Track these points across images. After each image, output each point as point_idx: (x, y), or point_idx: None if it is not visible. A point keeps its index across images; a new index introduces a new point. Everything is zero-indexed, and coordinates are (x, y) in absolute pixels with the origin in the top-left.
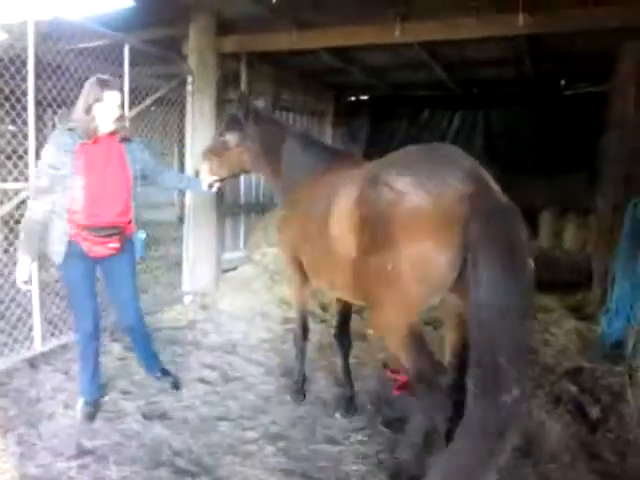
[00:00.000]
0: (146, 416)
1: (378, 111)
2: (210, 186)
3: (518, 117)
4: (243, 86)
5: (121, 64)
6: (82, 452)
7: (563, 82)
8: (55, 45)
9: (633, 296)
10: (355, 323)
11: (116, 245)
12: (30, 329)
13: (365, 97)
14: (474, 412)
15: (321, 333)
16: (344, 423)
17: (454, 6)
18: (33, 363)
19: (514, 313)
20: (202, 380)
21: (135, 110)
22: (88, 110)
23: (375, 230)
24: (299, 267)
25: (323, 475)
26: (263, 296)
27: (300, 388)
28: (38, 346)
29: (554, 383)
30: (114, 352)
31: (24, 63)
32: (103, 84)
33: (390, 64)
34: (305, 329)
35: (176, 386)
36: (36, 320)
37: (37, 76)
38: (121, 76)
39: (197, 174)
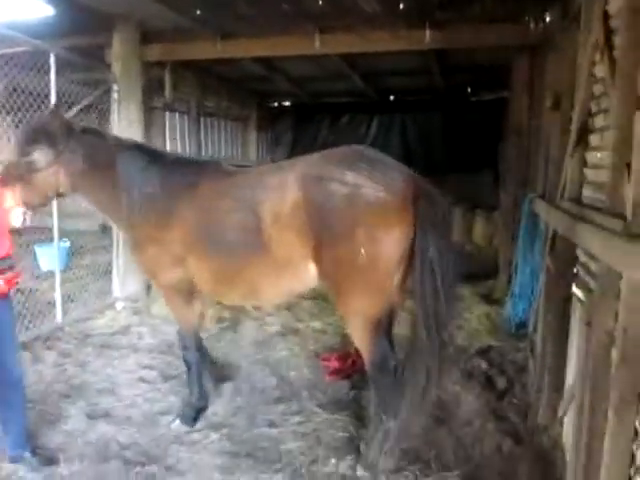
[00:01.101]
0: (89, 416)
1: (301, 116)
2: (22, 219)
3: (431, 121)
4: (167, 93)
5: (42, 71)
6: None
7: (469, 90)
8: None
9: (532, 280)
10: (286, 319)
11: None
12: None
13: (288, 103)
14: (425, 343)
15: (256, 329)
16: (282, 408)
17: (369, 21)
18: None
19: (451, 264)
20: (142, 379)
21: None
22: None
23: (334, 224)
24: (185, 286)
25: (266, 454)
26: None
27: (197, 410)
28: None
29: (467, 361)
30: (49, 360)
31: None
32: None
33: (312, 73)
34: (199, 349)
35: (50, 462)
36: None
37: None
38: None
39: None
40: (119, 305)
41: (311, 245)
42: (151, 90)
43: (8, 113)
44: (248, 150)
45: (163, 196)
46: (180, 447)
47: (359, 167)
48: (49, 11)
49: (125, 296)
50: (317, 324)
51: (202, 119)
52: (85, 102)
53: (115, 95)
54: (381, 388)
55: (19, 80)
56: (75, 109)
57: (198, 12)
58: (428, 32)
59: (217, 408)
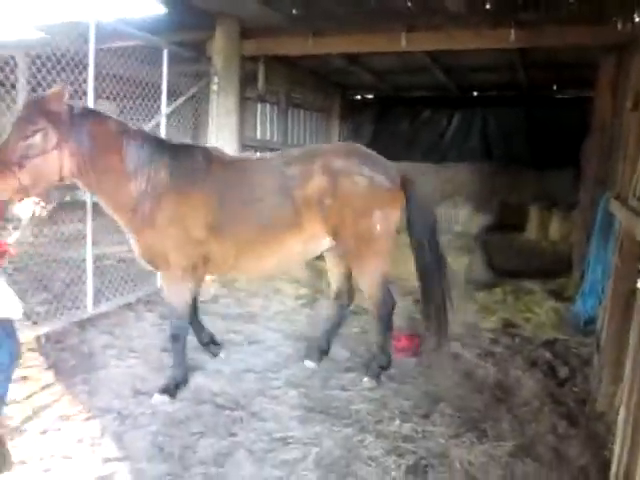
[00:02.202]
0: (185, 368)
1: (382, 109)
2: (32, 213)
3: (513, 117)
4: (260, 85)
5: (151, 63)
6: (137, 392)
7: (555, 87)
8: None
9: (603, 279)
10: (359, 300)
11: None
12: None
13: (370, 96)
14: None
15: (330, 307)
16: (352, 376)
17: (454, 20)
18: (82, 325)
19: (433, 244)
20: (229, 341)
21: (172, 107)
22: None
23: (357, 207)
24: (196, 264)
25: (337, 411)
26: (276, 275)
27: (177, 385)
28: (89, 310)
29: (531, 351)
30: (150, 319)
31: (58, 60)
32: None
33: (394, 67)
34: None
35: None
36: (89, 287)
37: (76, 72)
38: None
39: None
40: (208, 277)
41: (332, 223)
42: (246, 82)
43: (116, 99)
44: (330, 140)
45: (179, 181)
46: (263, 399)
47: (369, 162)
48: (161, 9)
49: None
50: None
51: (289, 110)
52: (191, 92)
53: (215, 87)
54: (385, 320)
55: (130, 71)
56: (182, 99)
57: (294, 11)
58: (513, 31)
59: (295, 371)
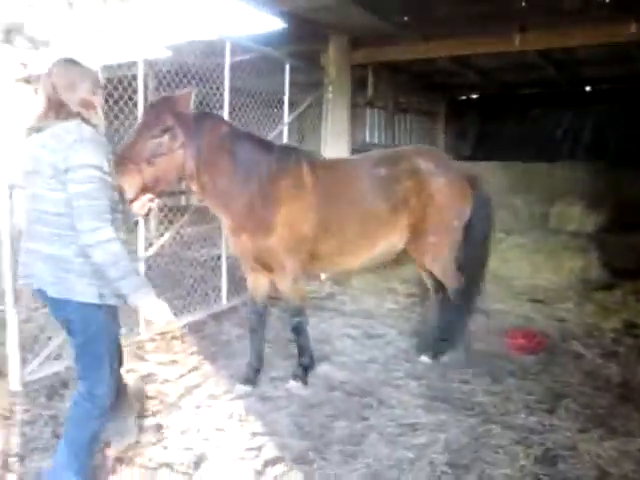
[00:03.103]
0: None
1: (488, 109)
2: (147, 210)
3: (628, 113)
4: (369, 91)
5: (267, 75)
6: (272, 378)
7: None
8: (215, 60)
9: None
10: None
11: None
12: (218, 289)
13: (475, 96)
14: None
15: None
16: (472, 371)
17: (569, 16)
18: (216, 317)
19: (487, 244)
20: (349, 336)
21: (292, 116)
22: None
23: (442, 205)
24: (306, 261)
25: (460, 402)
26: (388, 274)
27: (254, 372)
28: (224, 303)
29: None
30: (274, 313)
31: (185, 75)
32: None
33: (502, 65)
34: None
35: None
36: (223, 283)
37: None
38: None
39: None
40: (323, 276)
41: (414, 220)
42: (356, 89)
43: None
44: (436, 143)
45: (289, 182)
46: (388, 388)
47: (444, 163)
48: (280, 24)
49: None
50: (500, 306)
51: (396, 114)
52: (308, 101)
53: (329, 95)
54: (459, 302)
55: (250, 83)
56: (301, 108)
57: (404, 18)
58: (634, 25)
59: (416, 363)
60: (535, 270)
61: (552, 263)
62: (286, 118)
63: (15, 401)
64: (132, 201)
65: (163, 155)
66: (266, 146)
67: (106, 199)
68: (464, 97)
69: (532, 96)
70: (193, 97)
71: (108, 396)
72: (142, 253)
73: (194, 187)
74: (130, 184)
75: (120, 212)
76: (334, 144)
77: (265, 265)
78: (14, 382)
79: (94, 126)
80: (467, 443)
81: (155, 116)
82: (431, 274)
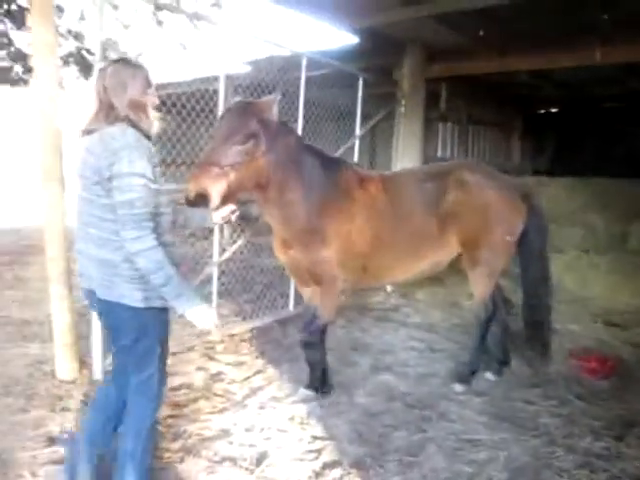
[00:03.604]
0: (374, 367)
1: (566, 124)
2: (227, 220)
3: None
4: (442, 105)
5: (340, 88)
6: (332, 385)
7: None
8: (291, 74)
9: None
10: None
11: None
12: (286, 296)
13: (553, 110)
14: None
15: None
16: (537, 391)
17: None
18: (282, 323)
19: (545, 258)
20: (412, 348)
21: (364, 129)
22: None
23: (492, 220)
24: (357, 275)
25: (523, 422)
26: (454, 290)
27: (320, 380)
28: (291, 309)
29: None
30: (338, 323)
31: (263, 89)
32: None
33: (582, 79)
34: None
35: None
36: (291, 290)
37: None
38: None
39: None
40: (389, 288)
41: (465, 234)
42: (429, 102)
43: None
44: (511, 158)
45: (343, 196)
46: (449, 402)
47: (493, 176)
48: (354, 40)
49: None
50: (574, 327)
51: (470, 127)
52: (381, 115)
53: (402, 109)
54: (483, 327)
55: (323, 96)
56: (373, 121)
57: (480, 32)
58: None
59: (477, 380)
60: (612, 291)
61: (631, 285)
62: (358, 131)
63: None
64: (216, 208)
65: (247, 162)
66: (325, 160)
67: (149, 207)
68: (542, 111)
69: (614, 110)
70: (276, 104)
71: (158, 390)
72: (216, 258)
73: (260, 196)
74: (216, 190)
75: (168, 214)
76: (406, 158)
77: (316, 277)
78: (97, 371)
79: (143, 129)
80: (528, 463)
81: (240, 121)
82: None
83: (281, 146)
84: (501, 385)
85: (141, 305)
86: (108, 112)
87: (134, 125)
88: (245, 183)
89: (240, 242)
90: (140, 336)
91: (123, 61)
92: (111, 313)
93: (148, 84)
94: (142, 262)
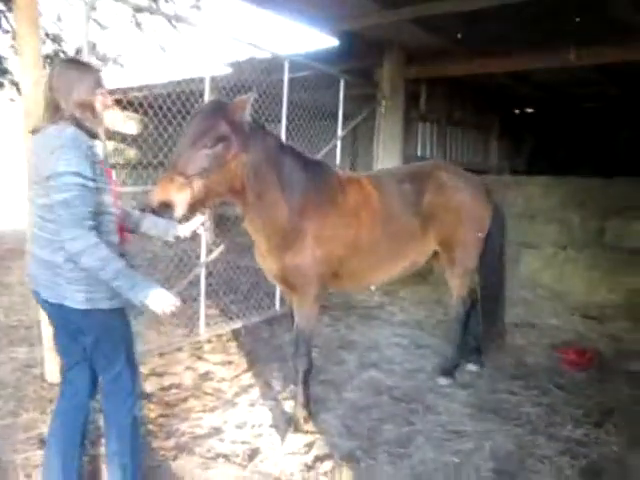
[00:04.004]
0: (361, 364)
1: (543, 125)
2: (197, 229)
3: None
4: (422, 105)
5: (320, 89)
6: (320, 382)
7: None
8: (273, 76)
9: None
10: (523, 313)
11: None
12: (272, 296)
13: (529, 111)
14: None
15: None
16: (520, 383)
17: (627, 31)
18: (269, 322)
19: (503, 253)
20: (397, 344)
21: (346, 130)
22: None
23: (467, 219)
24: (329, 279)
25: (507, 413)
26: (439, 288)
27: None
28: (277, 309)
29: None
30: (325, 320)
31: (246, 90)
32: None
33: (558, 80)
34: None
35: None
36: (277, 290)
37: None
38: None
39: (165, 210)
40: (372, 287)
41: (442, 233)
42: (408, 103)
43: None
44: (489, 158)
45: (324, 199)
46: (435, 395)
47: (465, 177)
48: (334, 42)
49: None
50: (553, 321)
51: (448, 127)
52: (362, 116)
53: (383, 110)
54: (463, 319)
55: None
56: (354, 122)
57: (458, 35)
58: None
59: (461, 374)
60: (590, 286)
61: (608, 280)
62: (339, 133)
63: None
64: (180, 219)
65: (216, 167)
66: (305, 161)
67: (88, 205)
68: (518, 111)
69: (589, 111)
70: (250, 105)
71: (133, 383)
72: (203, 259)
73: (238, 201)
74: (180, 199)
75: (113, 214)
76: (386, 158)
77: (289, 285)
78: None
79: (88, 128)
80: (513, 452)
81: (208, 123)
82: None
83: (256, 148)
84: (485, 377)
85: (83, 307)
86: (54, 112)
87: (78, 124)
88: (216, 189)
89: (224, 243)
90: (98, 339)
91: (71, 62)
92: (56, 314)
93: (97, 84)
94: (85, 261)
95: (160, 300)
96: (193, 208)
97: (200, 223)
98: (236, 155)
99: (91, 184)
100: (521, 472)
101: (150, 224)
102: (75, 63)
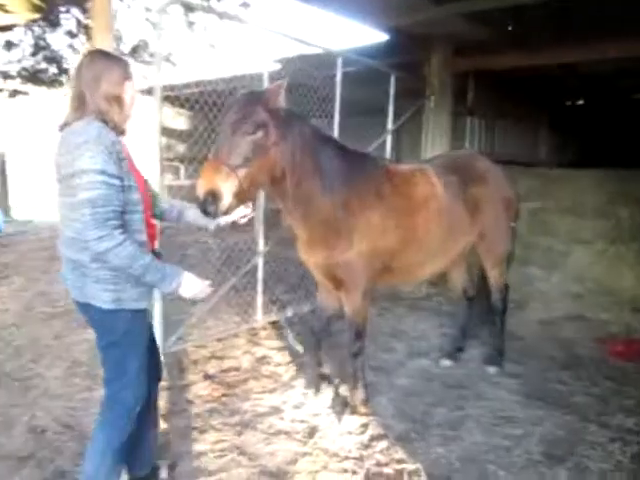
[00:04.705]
0: (410, 353)
1: (593, 117)
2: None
3: None
4: (470, 99)
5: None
6: (372, 368)
7: None
8: (324, 72)
9: None
10: (573, 306)
11: None
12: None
13: (580, 103)
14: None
15: (542, 311)
16: (569, 373)
17: None
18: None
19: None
20: (445, 334)
21: (397, 124)
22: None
23: (502, 210)
24: (380, 275)
25: (556, 401)
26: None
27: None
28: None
29: None
30: (372, 311)
31: (296, 87)
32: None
33: (610, 71)
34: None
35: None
36: None
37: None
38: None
39: (208, 204)
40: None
41: (482, 224)
42: (456, 97)
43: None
44: (537, 151)
45: (370, 191)
46: (485, 383)
47: (501, 169)
48: (384, 37)
49: None
50: (603, 315)
51: (497, 121)
52: (411, 111)
53: (431, 104)
54: (503, 304)
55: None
56: (405, 117)
57: (509, 28)
58: None
59: (511, 364)
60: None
61: None
62: (390, 127)
63: None
64: (226, 210)
65: (257, 155)
66: (344, 152)
67: (113, 205)
68: (569, 103)
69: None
70: (283, 91)
71: (133, 404)
72: (261, 248)
73: (276, 192)
74: (226, 189)
75: (141, 212)
76: (434, 152)
77: (335, 280)
78: None
79: (114, 123)
80: (563, 437)
81: (246, 112)
82: (467, 274)
83: (294, 135)
84: (534, 368)
85: (111, 307)
86: (79, 106)
87: (103, 119)
88: (259, 178)
89: (277, 234)
90: (112, 342)
91: (99, 52)
92: (86, 314)
93: (126, 77)
94: (113, 260)
95: (191, 286)
96: (239, 198)
97: (241, 215)
98: (275, 142)
99: (116, 182)
100: (571, 457)
101: (192, 214)
102: (103, 53)
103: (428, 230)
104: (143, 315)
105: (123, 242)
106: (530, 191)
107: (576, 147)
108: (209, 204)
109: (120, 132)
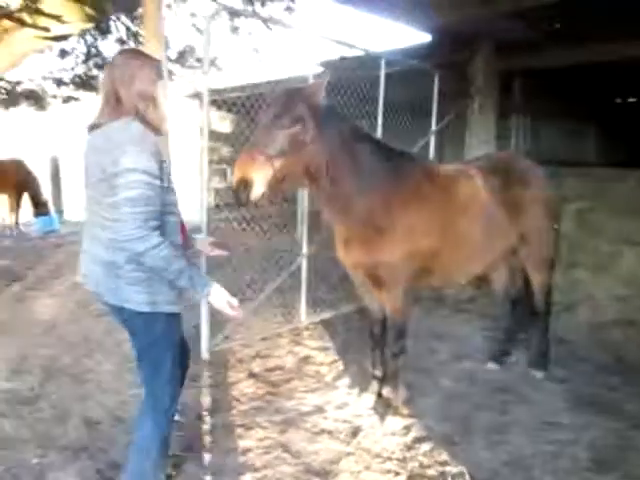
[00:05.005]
0: (454, 355)
1: None
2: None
3: None
4: (516, 99)
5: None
6: (414, 370)
7: None
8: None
9: None
10: (625, 308)
11: None
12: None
13: (631, 100)
14: None
15: (590, 314)
16: (621, 379)
17: None
18: (361, 312)
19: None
20: (491, 338)
21: (440, 125)
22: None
23: (547, 211)
24: (418, 274)
25: (606, 407)
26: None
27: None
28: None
29: None
30: (414, 313)
31: (339, 89)
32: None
33: None
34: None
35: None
36: None
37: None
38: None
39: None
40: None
41: (524, 227)
42: (501, 97)
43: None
44: (586, 150)
45: (411, 189)
46: (530, 387)
47: (542, 172)
48: (428, 37)
49: None
50: None
51: (543, 120)
52: (456, 110)
53: (476, 105)
54: (549, 305)
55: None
56: (448, 117)
57: (556, 25)
58: None
59: (558, 369)
60: None
61: None
62: (434, 127)
63: (203, 367)
64: (259, 197)
65: (293, 148)
66: (384, 150)
67: (153, 205)
68: (619, 101)
69: None
70: (324, 88)
71: (171, 403)
72: (305, 250)
73: (314, 188)
74: (260, 177)
75: (177, 214)
76: (478, 153)
77: (375, 279)
78: (204, 351)
79: (151, 123)
80: (612, 444)
81: (285, 106)
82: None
83: (332, 132)
84: (581, 372)
85: (146, 309)
86: (114, 105)
87: (141, 118)
88: (294, 171)
89: (320, 236)
90: (149, 344)
91: (132, 51)
92: (120, 317)
93: (158, 76)
94: (149, 261)
95: (220, 298)
96: (272, 188)
97: (216, 253)
98: (313, 137)
99: (158, 183)
100: (621, 464)
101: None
102: (135, 53)
103: (469, 232)
104: (177, 319)
105: (161, 244)
106: (578, 191)
107: (626, 146)
108: (241, 191)
109: (159, 132)
